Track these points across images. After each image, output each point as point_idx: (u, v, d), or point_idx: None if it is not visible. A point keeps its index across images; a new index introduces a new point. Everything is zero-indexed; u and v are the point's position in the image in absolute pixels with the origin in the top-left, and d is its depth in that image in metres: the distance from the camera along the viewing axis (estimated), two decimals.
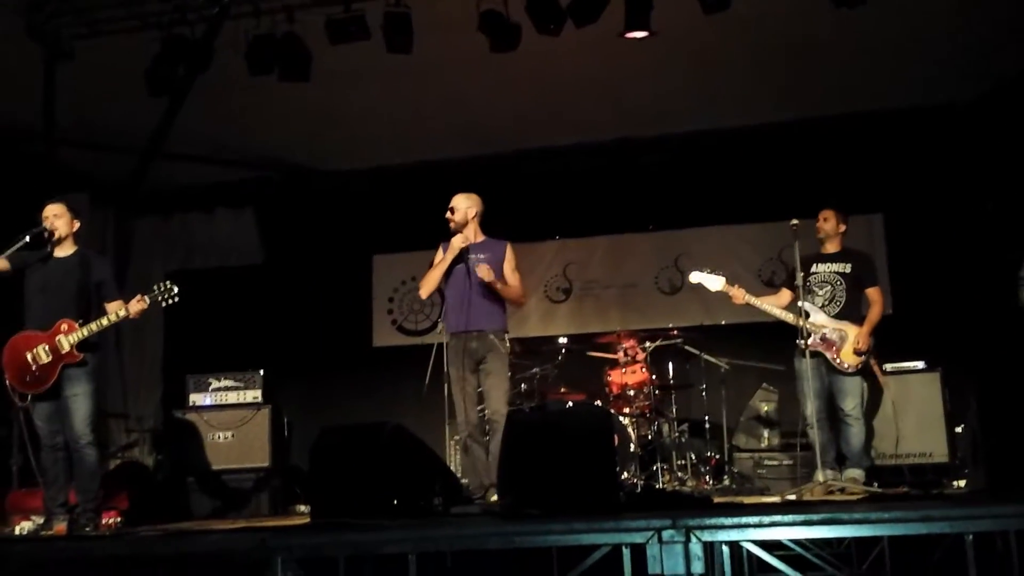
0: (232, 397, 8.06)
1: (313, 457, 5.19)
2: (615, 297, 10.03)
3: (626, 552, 3.91)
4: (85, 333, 5.53)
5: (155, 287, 5.71)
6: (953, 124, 9.05)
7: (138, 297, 5.63)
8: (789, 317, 6.48)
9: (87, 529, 5.45)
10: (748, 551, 4.39)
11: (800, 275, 6.47)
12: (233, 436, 7.88)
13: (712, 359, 8.22)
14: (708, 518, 3.89)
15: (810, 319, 6.36)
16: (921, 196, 9.18)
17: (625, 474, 7.42)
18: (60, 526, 5.51)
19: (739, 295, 6.61)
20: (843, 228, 6.69)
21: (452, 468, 7.35)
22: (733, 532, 3.88)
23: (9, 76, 7.66)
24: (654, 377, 8.06)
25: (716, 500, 5.91)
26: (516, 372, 7.78)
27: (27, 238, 5.63)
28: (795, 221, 6.37)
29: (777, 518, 3.89)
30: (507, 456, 5.04)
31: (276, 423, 7.99)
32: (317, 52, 7.16)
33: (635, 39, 7.33)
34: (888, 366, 7.57)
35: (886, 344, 7.90)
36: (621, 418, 7.77)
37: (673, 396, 8.37)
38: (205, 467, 7.80)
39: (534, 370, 8.23)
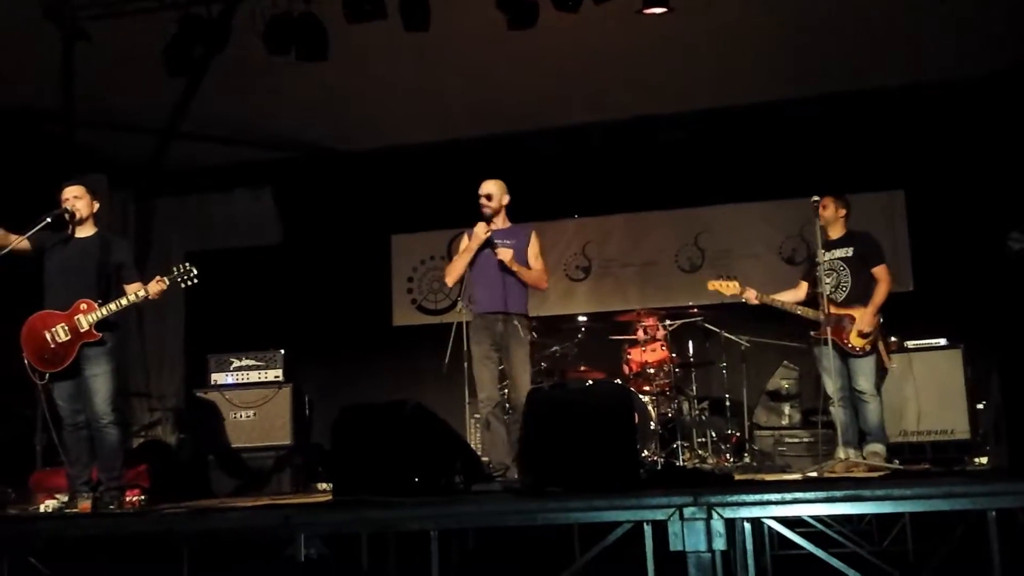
0: (253, 376, 8.10)
1: (335, 435, 5.21)
2: (634, 275, 10.00)
3: (647, 529, 3.91)
4: (104, 313, 5.56)
5: (174, 268, 5.73)
6: (975, 98, 8.94)
7: (158, 278, 5.65)
8: (806, 312, 6.53)
9: (111, 507, 5.50)
10: (770, 528, 4.40)
11: (821, 252, 6.47)
12: (254, 415, 7.93)
13: (732, 337, 8.20)
14: (730, 495, 3.88)
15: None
16: (943, 172, 9.08)
17: (645, 452, 7.42)
18: (84, 504, 5.56)
19: (752, 296, 6.64)
20: (843, 212, 6.62)
21: (472, 446, 7.38)
22: (755, 509, 3.87)
23: (27, 58, 7.68)
24: (674, 355, 8.05)
25: (737, 478, 5.91)
26: (536, 351, 7.77)
27: (48, 219, 5.65)
28: (816, 198, 6.38)
29: (799, 495, 3.88)
30: (528, 434, 5.04)
31: (297, 401, 8.03)
32: (334, 31, 7.15)
33: (654, 15, 7.28)
34: (910, 343, 7.55)
35: (907, 321, 7.88)
36: (641, 396, 7.76)
37: (693, 374, 8.36)
38: (227, 445, 7.85)
39: (554, 348, 8.23)
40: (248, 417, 7.93)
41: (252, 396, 7.97)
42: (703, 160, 9.65)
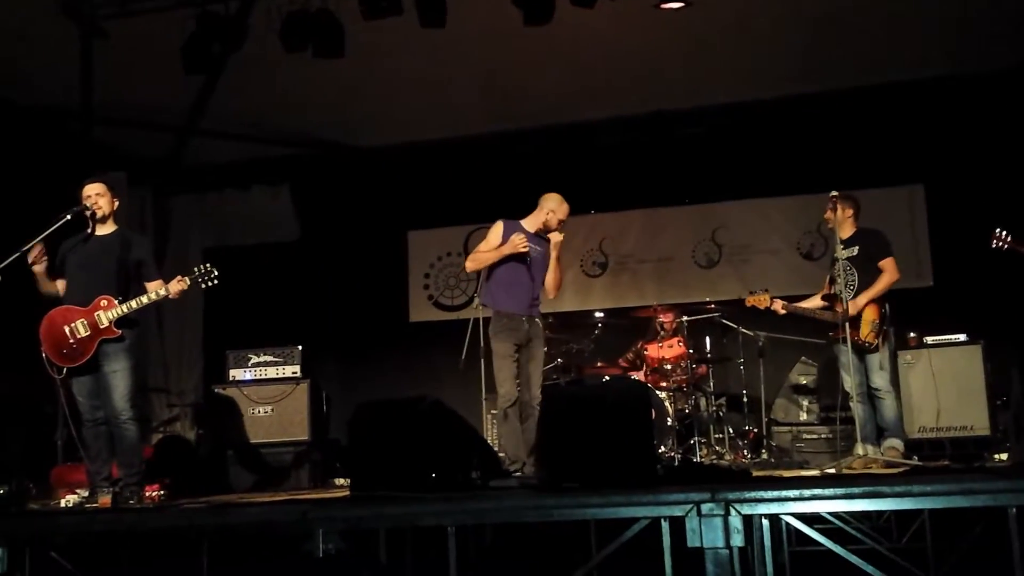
0: (271, 372, 8.14)
1: (352, 431, 5.23)
2: (651, 271, 9.98)
3: (665, 525, 3.90)
4: (124, 310, 5.59)
5: (196, 269, 5.75)
6: (995, 92, 8.87)
7: (179, 278, 5.66)
8: (825, 315, 6.61)
9: (131, 502, 5.53)
10: (788, 524, 4.38)
11: (839, 248, 6.47)
12: (273, 410, 7.97)
13: (750, 332, 8.17)
14: (748, 491, 3.87)
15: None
16: (963, 166, 9.01)
17: (662, 448, 7.41)
18: (104, 499, 5.60)
19: (779, 307, 6.80)
20: (850, 212, 6.62)
21: (489, 442, 7.38)
22: (773, 505, 3.85)
23: (46, 56, 7.73)
24: (691, 351, 8.03)
25: (755, 474, 5.89)
26: (552, 347, 7.78)
27: (68, 216, 5.68)
28: (835, 193, 6.36)
29: (818, 491, 3.86)
30: (545, 430, 5.05)
31: (315, 397, 8.06)
32: (350, 28, 7.15)
33: (671, 10, 7.25)
34: (929, 338, 7.51)
35: (927, 316, 7.85)
36: (658, 392, 7.75)
37: (711, 370, 8.34)
38: (245, 441, 7.89)
39: (570, 345, 8.22)
40: (266, 413, 7.97)
41: (270, 392, 8.01)
42: (720, 155, 9.61)
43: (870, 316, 6.42)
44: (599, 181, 9.85)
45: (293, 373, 8.11)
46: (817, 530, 4.10)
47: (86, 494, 5.80)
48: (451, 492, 4.68)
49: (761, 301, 6.81)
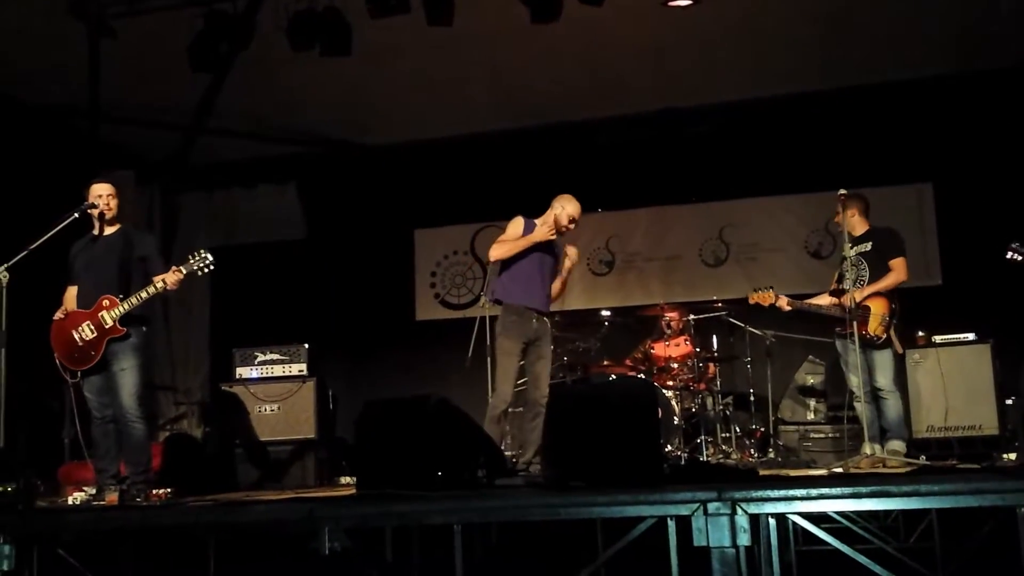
0: (278, 370, 8.15)
1: (358, 429, 5.23)
2: (658, 269, 9.96)
3: (671, 524, 3.89)
4: (126, 307, 5.59)
5: (190, 256, 5.74)
6: (1004, 90, 8.83)
7: (174, 268, 5.66)
8: (834, 311, 6.56)
9: (138, 500, 5.55)
10: (794, 523, 4.37)
11: (847, 246, 6.45)
12: (279, 408, 7.98)
13: (757, 331, 8.16)
14: (754, 490, 3.86)
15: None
16: (972, 165, 8.98)
17: (669, 447, 7.39)
18: (112, 497, 5.60)
19: (784, 304, 6.75)
20: (859, 210, 6.61)
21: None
22: (780, 504, 3.84)
23: (54, 55, 7.75)
24: (698, 349, 8.02)
25: (762, 473, 5.88)
26: (558, 345, 7.77)
27: (75, 215, 5.70)
28: (843, 191, 6.35)
29: (825, 490, 3.85)
30: (551, 429, 5.04)
31: (321, 395, 8.07)
32: (357, 26, 7.16)
33: (678, 7, 7.24)
34: (938, 337, 7.48)
35: (936, 315, 7.81)
36: (665, 391, 7.73)
37: (718, 368, 8.32)
38: (252, 439, 7.91)
39: (577, 343, 8.21)
40: (272, 411, 7.99)
41: (277, 390, 8.02)
42: (728, 153, 9.58)
43: (879, 310, 6.39)
44: (606, 179, 9.83)
45: (300, 371, 8.12)
46: (824, 529, 4.08)
47: (93, 492, 5.80)
48: (457, 491, 4.68)
49: (765, 298, 6.78)
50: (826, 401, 8.07)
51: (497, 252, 6.37)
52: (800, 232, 9.56)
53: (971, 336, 7.43)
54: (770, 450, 7.82)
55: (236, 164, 10.59)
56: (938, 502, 3.88)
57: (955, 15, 7.83)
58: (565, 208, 6.33)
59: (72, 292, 5.83)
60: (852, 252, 6.53)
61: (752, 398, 8.26)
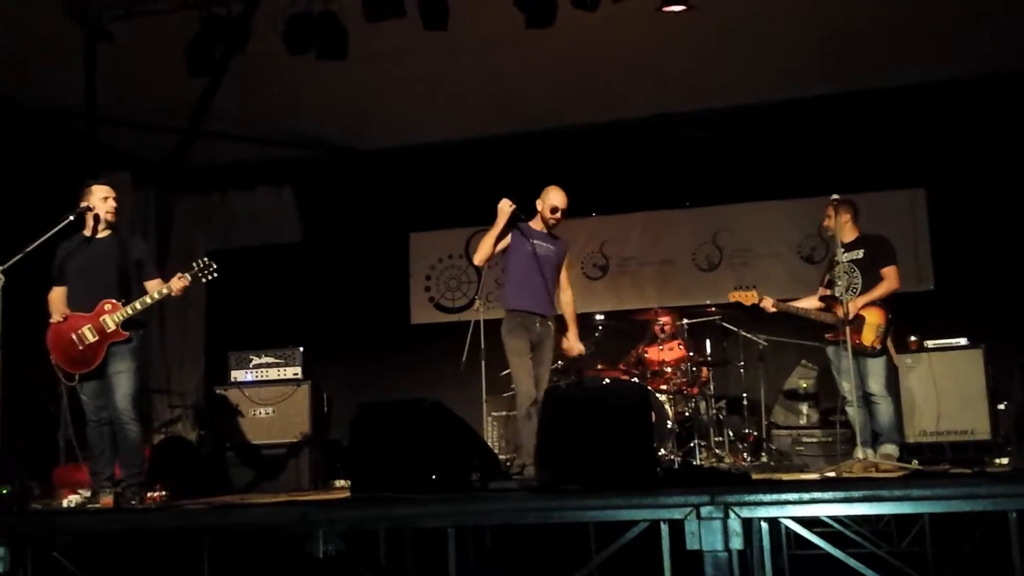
0: (273, 373, 8.15)
1: (353, 432, 5.24)
2: (652, 274, 9.99)
3: (664, 528, 3.91)
4: (129, 312, 5.61)
5: (194, 263, 5.79)
6: (997, 96, 8.86)
7: (179, 275, 5.70)
8: (822, 316, 6.62)
9: (133, 502, 5.55)
10: (787, 528, 4.39)
11: (840, 251, 6.47)
12: (274, 411, 7.98)
13: (750, 336, 8.18)
14: (747, 494, 3.88)
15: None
16: (964, 170, 9.01)
17: (662, 451, 7.41)
18: (107, 499, 5.62)
19: (768, 304, 6.77)
20: (849, 216, 6.64)
21: (490, 444, 7.39)
22: (772, 508, 3.86)
23: (50, 57, 7.75)
24: (691, 354, 8.04)
25: (754, 477, 5.90)
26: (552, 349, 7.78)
27: (70, 218, 5.71)
28: (836, 196, 6.37)
29: (817, 495, 3.87)
30: (545, 432, 5.06)
31: (316, 399, 8.08)
32: (353, 30, 7.16)
33: (673, 12, 7.26)
34: (930, 342, 7.51)
35: (928, 320, 7.85)
36: (658, 395, 7.75)
37: (711, 373, 8.34)
38: (246, 442, 7.91)
39: None
40: (267, 414, 7.99)
41: (271, 393, 8.03)
42: (721, 158, 9.61)
43: (875, 320, 6.41)
44: (600, 184, 9.85)
45: (294, 374, 8.13)
46: (817, 534, 4.10)
47: (88, 494, 5.82)
48: (451, 494, 4.70)
49: (747, 297, 6.79)
50: (818, 406, 8.10)
51: (478, 256, 6.38)
52: (793, 237, 9.59)
53: (963, 341, 7.48)
54: (763, 454, 7.84)
55: (232, 167, 10.58)
56: (930, 507, 3.90)
57: (948, 22, 7.86)
58: (546, 199, 6.35)
59: (58, 294, 5.80)
60: (844, 258, 6.56)
61: (745, 402, 8.29)
